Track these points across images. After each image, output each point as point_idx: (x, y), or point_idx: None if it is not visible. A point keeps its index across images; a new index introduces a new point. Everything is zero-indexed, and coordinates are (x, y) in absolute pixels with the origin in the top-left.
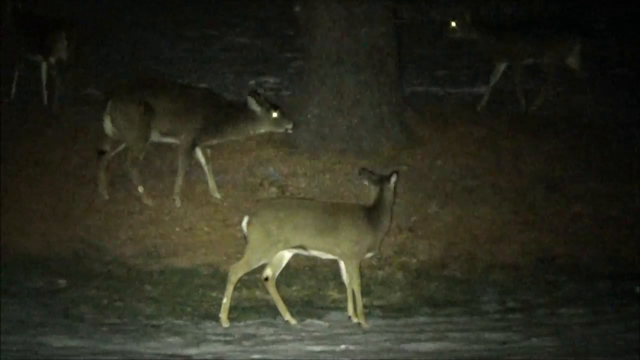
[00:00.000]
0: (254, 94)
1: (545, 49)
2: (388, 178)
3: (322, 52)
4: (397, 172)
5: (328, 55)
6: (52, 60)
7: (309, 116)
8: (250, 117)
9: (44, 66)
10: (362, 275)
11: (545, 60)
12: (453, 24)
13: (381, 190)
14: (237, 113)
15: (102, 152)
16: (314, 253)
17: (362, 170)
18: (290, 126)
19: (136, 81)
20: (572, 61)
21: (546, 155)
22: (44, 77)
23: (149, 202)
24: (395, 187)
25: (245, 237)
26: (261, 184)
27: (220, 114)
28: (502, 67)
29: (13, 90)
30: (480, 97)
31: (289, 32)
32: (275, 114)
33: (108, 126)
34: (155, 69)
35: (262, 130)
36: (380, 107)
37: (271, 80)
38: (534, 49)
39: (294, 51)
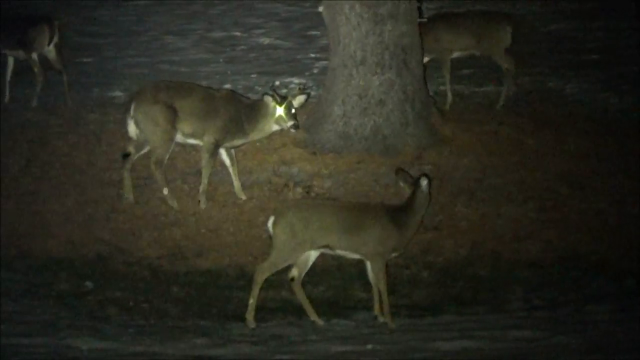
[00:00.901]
0: (271, 91)
1: (479, 41)
2: (420, 180)
3: (346, 52)
4: (426, 176)
5: (352, 55)
6: (34, 55)
7: (333, 116)
8: (265, 114)
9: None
10: (388, 274)
11: (480, 51)
12: None
13: (414, 192)
14: (255, 112)
15: (126, 155)
16: (340, 253)
17: (399, 171)
18: (289, 124)
19: (160, 84)
20: (498, 57)
21: (570, 153)
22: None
23: (173, 203)
24: (429, 191)
25: (270, 237)
26: (286, 185)
27: (241, 114)
28: (448, 60)
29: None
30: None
31: (313, 32)
32: (279, 111)
33: (132, 129)
34: (181, 70)
35: (276, 127)
36: (405, 107)
37: (295, 80)
38: (463, 42)
39: (318, 51)
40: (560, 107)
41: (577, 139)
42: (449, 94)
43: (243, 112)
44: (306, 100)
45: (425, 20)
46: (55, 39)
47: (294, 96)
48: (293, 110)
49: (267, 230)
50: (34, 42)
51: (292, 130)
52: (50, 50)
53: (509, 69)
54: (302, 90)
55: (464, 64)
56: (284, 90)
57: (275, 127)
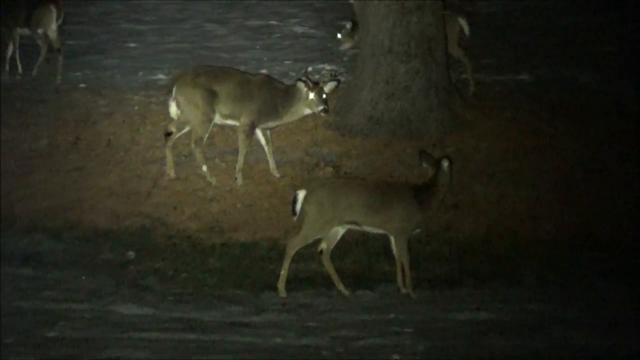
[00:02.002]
0: (304, 77)
1: None
2: (441, 162)
3: (375, 41)
4: (448, 158)
5: (380, 44)
6: (40, 32)
7: (362, 101)
8: (298, 98)
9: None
10: (410, 249)
11: None
12: (339, 35)
13: (436, 173)
14: (289, 96)
15: (168, 134)
16: (366, 228)
17: (422, 152)
18: (319, 108)
19: (200, 68)
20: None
21: (584, 139)
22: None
23: (212, 180)
24: (450, 172)
25: (293, 211)
26: (317, 164)
27: (276, 97)
28: None
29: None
30: (524, 83)
31: (345, 22)
32: (311, 96)
33: (174, 110)
34: (220, 56)
35: (308, 111)
36: (429, 93)
37: (327, 67)
38: None
39: None
40: (574, 95)
41: (591, 126)
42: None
43: (277, 96)
44: (337, 87)
45: (449, 12)
46: (60, 19)
47: (325, 82)
48: (324, 96)
49: (293, 201)
50: (41, 20)
51: (323, 114)
52: (53, 30)
53: (462, 60)
54: (333, 76)
55: (485, 55)
56: (316, 76)
57: (307, 111)
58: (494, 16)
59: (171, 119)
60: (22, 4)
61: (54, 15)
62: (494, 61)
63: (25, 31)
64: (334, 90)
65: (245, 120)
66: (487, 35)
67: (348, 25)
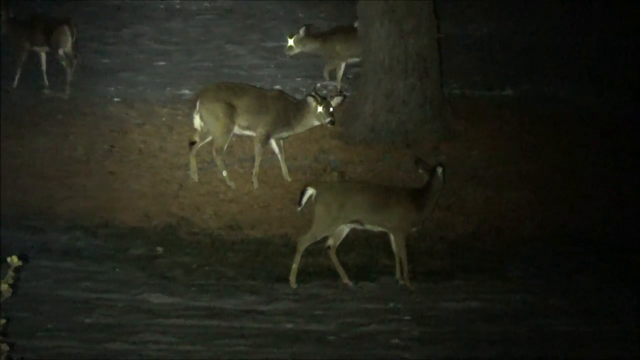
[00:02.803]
0: (313, 93)
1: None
2: (436, 168)
3: (377, 60)
4: (441, 165)
5: (381, 62)
6: (61, 51)
7: (364, 113)
8: (308, 111)
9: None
10: (408, 245)
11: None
12: (290, 42)
13: (431, 178)
14: (300, 109)
15: (192, 143)
16: (368, 227)
17: (418, 160)
18: (327, 120)
19: (221, 84)
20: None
21: (562, 146)
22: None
23: (231, 184)
24: (444, 177)
25: (300, 202)
26: (324, 170)
27: (289, 111)
28: (331, 65)
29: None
30: (509, 97)
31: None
32: (319, 109)
33: (197, 122)
34: (239, 73)
35: (317, 123)
36: (424, 107)
37: (334, 83)
38: (355, 50)
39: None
40: (553, 108)
41: (569, 135)
42: (338, 87)
43: (290, 109)
44: (342, 101)
45: (443, 36)
46: (75, 38)
47: (332, 97)
48: (331, 109)
49: (301, 193)
50: (59, 40)
51: (330, 125)
52: (69, 48)
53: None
54: (339, 92)
55: (474, 72)
56: (324, 92)
57: (316, 123)
58: (482, 38)
59: (195, 130)
60: (38, 25)
61: (69, 34)
62: (482, 78)
63: (46, 49)
64: (339, 104)
65: (261, 131)
66: (476, 55)
67: (301, 31)
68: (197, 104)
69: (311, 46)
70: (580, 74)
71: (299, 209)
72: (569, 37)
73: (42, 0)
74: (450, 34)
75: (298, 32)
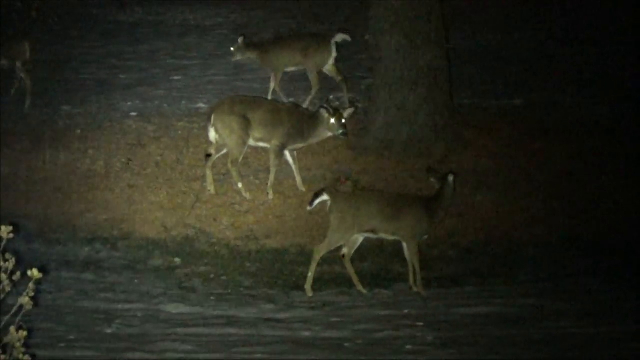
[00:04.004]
0: (326, 105)
1: (305, 59)
2: (447, 177)
3: (388, 72)
4: (453, 173)
5: (392, 75)
6: (18, 64)
7: (376, 124)
8: (321, 123)
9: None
10: (420, 252)
11: (307, 67)
12: (232, 49)
13: (442, 186)
14: (313, 121)
15: (208, 155)
16: (382, 235)
17: (429, 169)
18: (339, 132)
19: (235, 98)
20: (329, 68)
21: (570, 154)
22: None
23: (247, 195)
24: (454, 185)
25: (311, 203)
26: (338, 180)
27: (302, 123)
28: (280, 73)
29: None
30: (517, 106)
31: (361, 56)
32: (332, 121)
33: (212, 134)
34: (253, 87)
35: (329, 134)
36: (435, 117)
37: (344, 94)
38: (295, 59)
39: (365, 72)
40: (561, 116)
41: (576, 143)
42: (270, 92)
43: (303, 121)
44: (354, 112)
45: (452, 47)
46: (29, 53)
47: (345, 109)
48: (343, 121)
49: (315, 194)
50: (17, 53)
51: (342, 137)
52: (25, 62)
53: (340, 79)
54: (352, 104)
55: (483, 82)
56: (337, 104)
57: (329, 134)
58: (491, 49)
59: (211, 143)
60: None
61: (27, 48)
62: (491, 88)
63: (5, 64)
64: (352, 116)
65: (275, 142)
66: (485, 66)
67: (240, 40)
68: (213, 117)
69: (250, 55)
70: (587, 83)
71: (308, 208)
72: (576, 47)
73: (60, 19)
74: (460, 45)
75: (237, 42)
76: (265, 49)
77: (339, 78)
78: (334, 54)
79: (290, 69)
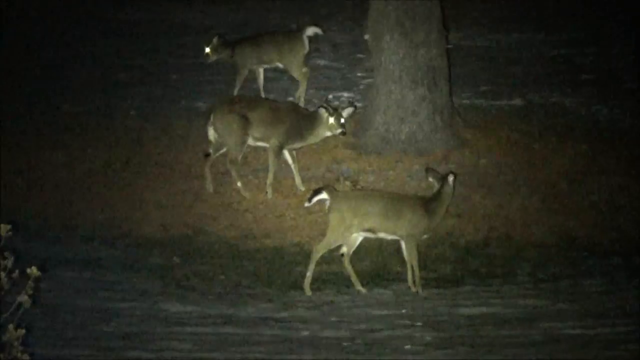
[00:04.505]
0: (325, 104)
1: (280, 56)
2: (447, 177)
3: (387, 71)
4: (453, 173)
5: (392, 74)
6: None
7: (376, 123)
8: (320, 122)
9: None
10: (419, 252)
11: (284, 64)
12: (207, 49)
13: (442, 186)
14: (312, 121)
15: (207, 155)
16: (381, 235)
17: (428, 169)
18: (338, 131)
19: (234, 97)
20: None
21: (569, 155)
22: None
23: (246, 194)
24: (453, 185)
25: (310, 199)
26: (337, 179)
27: (301, 122)
28: (245, 72)
29: None
30: (516, 107)
31: (360, 55)
32: (331, 120)
33: (211, 134)
34: (252, 86)
35: (328, 133)
36: (434, 116)
37: (345, 94)
38: (268, 57)
39: (364, 71)
40: (561, 117)
41: (575, 144)
42: (235, 86)
43: (302, 120)
44: (353, 112)
45: (452, 47)
46: None
47: (344, 109)
48: (342, 120)
49: (315, 191)
50: None
51: (341, 136)
52: None
53: (301, 80)
54: (351, 104)
55: (482, 82)
56: (336, 103)
57: (328, 133)
58: (490, 49)
59: (209, 142)
60: None
61: None
62: (490, 88)
63: None
64: (351, 116)
65: (274, 142)
66: (484, 66)
67: (215, 40)
68: (211, 116)
69: (224, 54)
70: (587, 83)
71: (306, 205)
72: (576, 47)
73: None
74: (459, 45)
75: (212, 41)
76: (237, 47)
77: (305, 79)
78: (307, 48)
79: (265, 66)
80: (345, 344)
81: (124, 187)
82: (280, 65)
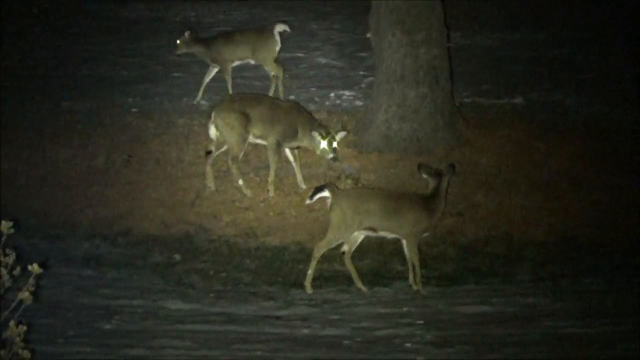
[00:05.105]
0: (319, 129)
1: (253, 53)
2: (443, 172)
3: (389, 70)
4: (453, 166)
5: (393, 72)
6: None
7: (377, 122)
8: (313, 140)
9: None
10: (420, 251)
11: (257, 60)
12: (178, 42)
13: (439, 182)
14: (309, 126)
15: (209, 152)
16: (382, 233)
17: (421, 165)
18: (329, 157)
19: (235, 95)
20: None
21: (570, 154)
22: None
23: (247, 192)
24: (449, 180)
25: (311, 197)
26: (338, 177)
27: (298, 124)
28: (229, 66)
29: None
30: (518, 105)
31: (362, 54)
32: (323, 144)
33: (213, 132)
34: (254, 84)
35: (318, 152)
36: (435, 115)
37: (347, 93)
38: (242, 53)
39: (366, 69)
40: (561, 116)
41: (575, 142)
42: (200, 94)
43: (300, 122)
44: (346, 136)
45: (453, 45)
46: None
47: (337, 132)
48: (334, 144)
49: (317, 189)
50: None
51: (332, 162)
52: None
53: (277, 75)
54: (344, 128)
55: (483, 81)
56: (337, 102)
57: (318, 152)
58: (491, 48)
59: (211, 140)
60: None
61: None
62: (491, 87)
63: None
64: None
65: (272, 139)
66: (486, 65)
67: (186, 34)
68: (213, 114)
69: (195, 49)
70: (587, 83)
71: (307, 202)
72: (576, 47)
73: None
74: (461, 44)
75: (184, 35)
76: (211, 44)
77: (273, 73)
78: (279, 44)
79: (237, 63)
80: (346, 342)
81: (125, 185)
82: (252, 61)
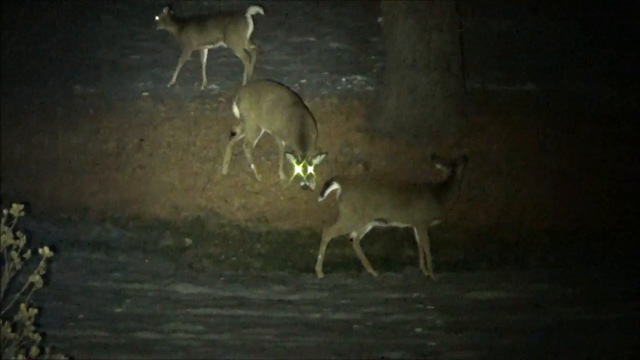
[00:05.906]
0: (290, 152)
1: (225, 36)
2: (458, 162)
3: (400, 55)
4: (465, 157)
5: (405, 58)
6: None
7: (388, 107)
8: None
9: None
10: (431, 237)
11: (227, 44)
12: (157, 18)
13: (453, 172)
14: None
15: (233, 133)
16: (393, 224)
17: (434, 156)
18: (300, 184)
19: (260, 82)
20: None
21: (581, 141)
22: None
23: (259, 177)
24: (462, 170)
25: (322, 193)
26: (349, 163)
27: (294, 119)
28: (189, 52)
29: None
30: (530, 92)
31: (374, 39)
32: (297, 169)
33: (236, 110)
34: (266, 68)
35: (290, 178)
36: (447, 101)
37: (359, 78)
38: (212, 37)
39: (378, 54)
40: (572, 104)
41: (586, 130)
42: (205, 78)
43: (294, 120)
44: (324, 160)
45: (464, 30)
46: None
47: (315, 156)
48: (309, 170)
49: (326, 185)
50: None
51: (303, 189)
52: None
53: (244, 59)
54: (323, 152)
55: (496, 67)
56: (349, 86)
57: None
58: (504, 34)
59: (236, 120)
60: None
61: None
62: (503, 73)
63: None
64: (321, 163)
65: (274, 129)
66: (498, 51)
67: (164, 10)
68: (237, 96)
69: (170, 28)
70: (599, 71)
71: (320, 199)
72: (589, 35)
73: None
74: (472, 30)
75: (162, 11)
76: (183, 25)
77: (250, 58)
78: (251, 27)
79: (208, 47)
80: (356, 326)
81: (136, 169)
82: (224, 44)
